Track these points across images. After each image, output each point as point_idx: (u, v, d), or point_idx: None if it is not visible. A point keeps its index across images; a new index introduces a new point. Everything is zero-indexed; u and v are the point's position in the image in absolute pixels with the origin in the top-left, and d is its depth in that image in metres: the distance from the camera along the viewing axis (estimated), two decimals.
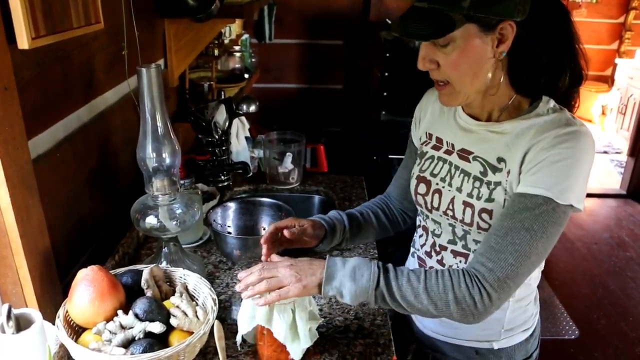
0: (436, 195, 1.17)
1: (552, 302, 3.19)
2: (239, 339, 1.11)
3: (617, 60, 5.78)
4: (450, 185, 1.14)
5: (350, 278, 1.00)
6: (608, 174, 5.10)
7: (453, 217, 1.14)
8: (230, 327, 1.22)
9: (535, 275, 1.20)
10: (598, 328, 3.00)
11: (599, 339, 2.93)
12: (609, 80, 5.99)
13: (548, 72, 1.03)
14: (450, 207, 1.13)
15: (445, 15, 0.94)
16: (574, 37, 1.04)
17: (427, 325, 1.31)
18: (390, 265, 1.03)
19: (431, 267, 1.22)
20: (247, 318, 1.08)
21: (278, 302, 1.02)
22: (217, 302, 1.10)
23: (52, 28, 1.06)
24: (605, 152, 5.55)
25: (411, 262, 1.34)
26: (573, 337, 2.91)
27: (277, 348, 1.08)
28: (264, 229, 1.50)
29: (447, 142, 1.18)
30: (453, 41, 0.97)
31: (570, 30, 1.03)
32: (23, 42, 0.97)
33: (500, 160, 1.06)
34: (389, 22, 3.12)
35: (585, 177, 0.99)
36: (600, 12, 5.72)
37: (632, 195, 4.65)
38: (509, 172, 1.04)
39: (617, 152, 5.56)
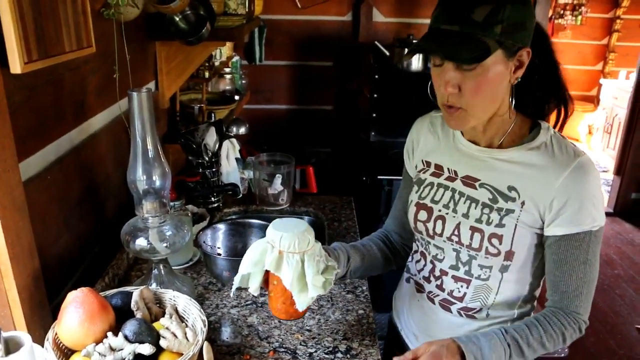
0: (439, 222, 1.18)
1: None
2: (236, 281, 1.10)
3: (602, 80, 5.90)
4: (455, 211, 1.16)
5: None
6: None
7: (459, 242, 1.15)
8: (219, 349, 1.22)
9: (537, 294, 1.22)
10: (587, 346, 3.01)
11: (588, 356, 2.94)
12: (594, 100, 6.10)
13: (544, 94, 1.12)
14: (456, 232, 1.15)
15: (479, 39, 0.95)
16: (557, 63, 1.12)
17: None
18: (511, 336, 1.07)
19: (430, 292, 1.24)
20: (252, 262, 1.08)
21: (287, 250, 1.04)
22: (206, 323, 1.10)
23: (44, 53, 1.07)
24: None
25: (407, 287, 1.33)
26: (562, 355, 2.91)
27: (287, 300, 1.08)
28: None
29: (448, 168, 1.19)
30: (480, 66, 0.98)
31: (552, 55, 1.12)
32: (16, 67, 0.98)
33: (511, 189, 1.09)
34: (378, 44, 3.16)
35: (601, 196, 1.09)
36: (585, 34, 5.85)
37: (619, 213, 4.71)
38: (523, 203, 1.08)
39: (604, 171, 5.62)
